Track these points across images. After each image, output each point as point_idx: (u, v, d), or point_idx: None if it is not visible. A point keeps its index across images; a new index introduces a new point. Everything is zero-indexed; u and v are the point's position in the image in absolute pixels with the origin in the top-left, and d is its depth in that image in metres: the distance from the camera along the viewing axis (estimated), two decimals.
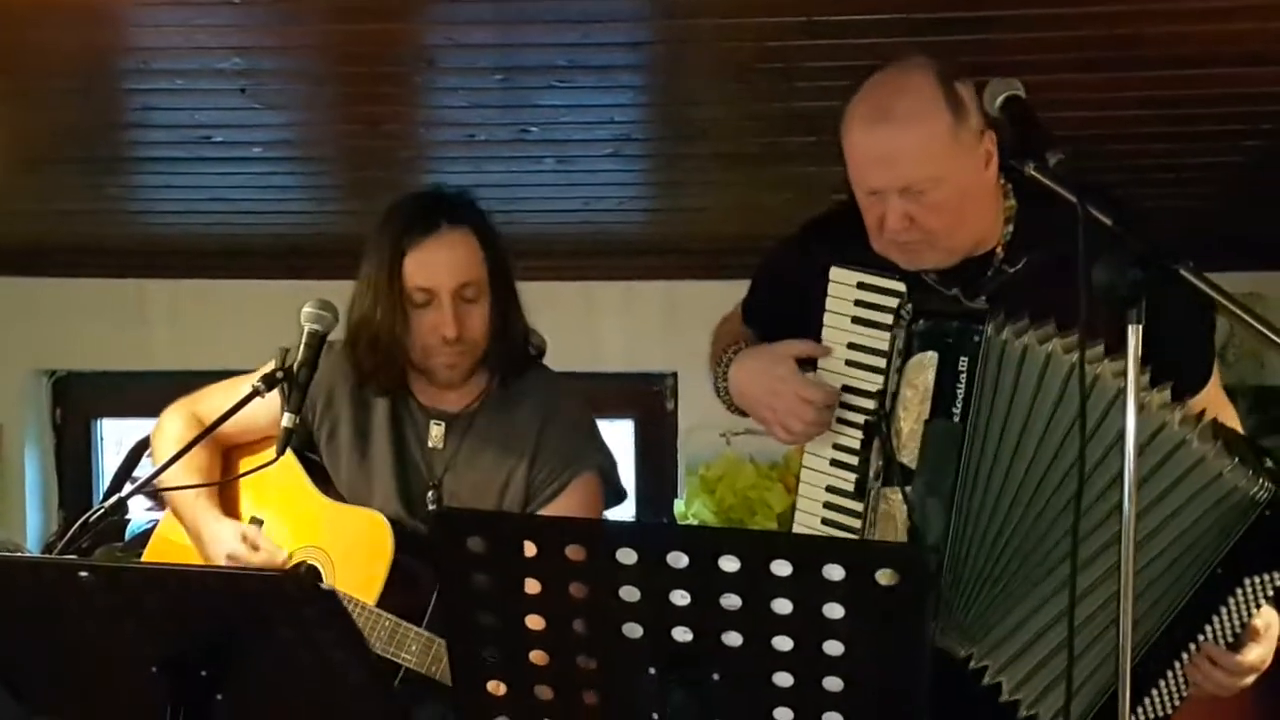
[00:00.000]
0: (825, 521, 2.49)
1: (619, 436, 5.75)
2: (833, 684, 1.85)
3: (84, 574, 2.10)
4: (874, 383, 2.43)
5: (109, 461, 5.88)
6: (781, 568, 1.79)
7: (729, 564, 1.80)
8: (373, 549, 2.86)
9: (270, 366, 2.98)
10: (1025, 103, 2.21)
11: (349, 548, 2.91)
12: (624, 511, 5.60)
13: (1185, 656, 2.34)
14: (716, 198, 4.66)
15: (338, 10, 3.13)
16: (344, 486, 3.00)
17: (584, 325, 5.49)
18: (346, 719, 2.22)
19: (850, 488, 2.46)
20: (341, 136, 4.11)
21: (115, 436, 5.90)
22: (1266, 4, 2.96)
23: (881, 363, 2.43)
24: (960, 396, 2.36)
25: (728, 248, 4.93)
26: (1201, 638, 2.33)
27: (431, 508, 2.94)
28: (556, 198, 4.66)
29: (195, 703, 2.11)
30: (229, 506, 3.05)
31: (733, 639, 1.86)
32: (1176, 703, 2.37)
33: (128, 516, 4.94)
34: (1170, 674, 2.35)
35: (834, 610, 1.80)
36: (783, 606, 1.81)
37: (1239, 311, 2.12)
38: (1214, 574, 2.30)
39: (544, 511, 2.93)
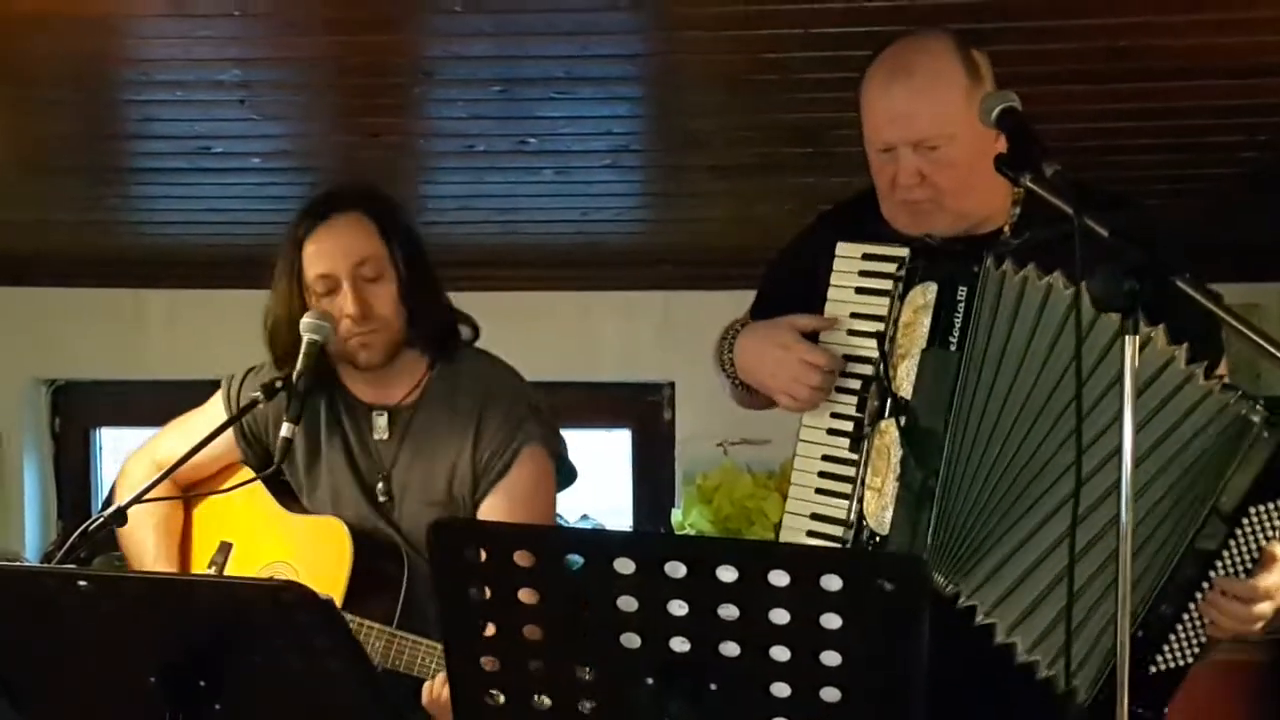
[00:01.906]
0: (820, 491, 2.47)
1: (615, 446, 5.74)
2: (830, 695, 1.85)
3: (83, 583, 2.11)
4: (876, 348, 2.43)
5: (108, 470, 5.86)
6: (779, 578, 1.79)
7: (727, 574, 1.80)
8: (333, 555, 2.87)
9: (219, 398, 3.00)
10: (1021, 115, 2.22)
11: (311, 556, 2.92)
12: (621, 521, 5.63)
13: (1199, 596, 2.31)
14: (714, 208, 4.67)
15: (337, 22, 3.14)
16: (305, 499, 3.02)
17: (581, 335, 5.49)
18: None
19: (846, 455, 2.44)
20: (340, 147, 4.12)
21: (114, 445, 5.88)
22: (1264, 17, 2.97)
23: (883, 326, 2.43)
24: (958, 326, 2.36)
25: (725, 258, 4.94)
26: (1213, 574, 2.30)
27: (382, 499, 2.95)
28: (555, 208, 4.67)
29: (193, 712, 2.11)
30: (198, 535, 3.07)
31: (730, 649, 1.86)
32: (1196, 649, 2.33)
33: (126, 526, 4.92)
34: (1186, 617, 2.32)
35: (831, 621, 1.80)
36: (780, 617, 1.81)
37: (1235, 323, 2.12)
38: (1217, 505, 2.29)
39: (494, 495, 2.92)
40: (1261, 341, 2.11)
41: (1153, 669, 2.32)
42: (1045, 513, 2.32)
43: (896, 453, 2.36)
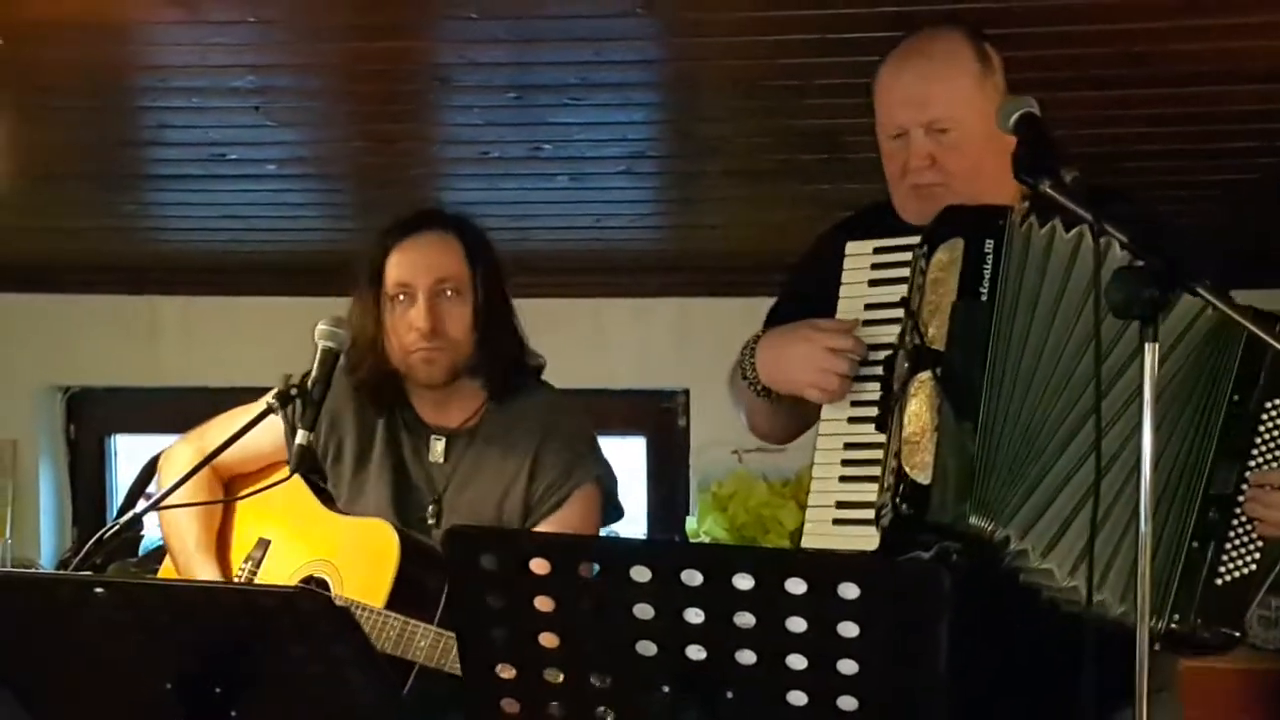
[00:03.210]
0: (845, 479, 2.44)
1: (630, 454, 5.74)
2: (847, 703, 1.84)
3: (99, 590, 2.11)
4: (896, 333, 2.42)
5: (123, 477, 5.88)
6: (796, 586, 1.78)
7: (743, 582, 1.80)
8: (379, 556, 2.87)
9: (275, 390, 3.00)
10: (1039, 120, 2.22)
11: (355, 556, 2.92)
12: (635, 529, 5.63)
13: (1241, 499, 2.31)
14: (729, 215, 4.66)
15: (352, 28, 3.14)
16: (346, 504, 3.02)
17: (596, 342, 5.49)
18: None
19: (871, 439, 2.42)
20: (355, 154, 4.12)
21: (129, 452, 5.90)
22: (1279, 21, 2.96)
23: (900, 313, 2.42)
24: (987, 277, 2.35)
25: (740, 265, 4.94)
26: (1248, 473, 2.32)
27: (430, 522, 2.95)
28: (569, 215, 4.67)
29: None
30: (236, 530, 3.07)
31: (747, 657, 1.85)
32: (1256, 554, 2.32)
33: (141, 532, 4.94)
34: (1235, 522, 2.32)
35: (849, 629, 1.79)
36: (797, 625, 1.81)
37: (1255, 329, 2.13)
38: (1231, 404, 2.31)
39: (544, 523, 2.94)
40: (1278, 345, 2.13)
41: (1219, 580, 2.31)
42: (1078, 449, 2.32)
43: (934, 402, 2.33)
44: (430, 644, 2.77)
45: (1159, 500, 2.27)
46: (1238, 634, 2.31)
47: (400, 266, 2.90)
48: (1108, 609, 2.27)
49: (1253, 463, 2.32)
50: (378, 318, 2.92)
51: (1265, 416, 2.32)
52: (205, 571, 2.98)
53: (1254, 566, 2.32)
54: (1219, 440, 2.32)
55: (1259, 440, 2.32)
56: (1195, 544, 2.30)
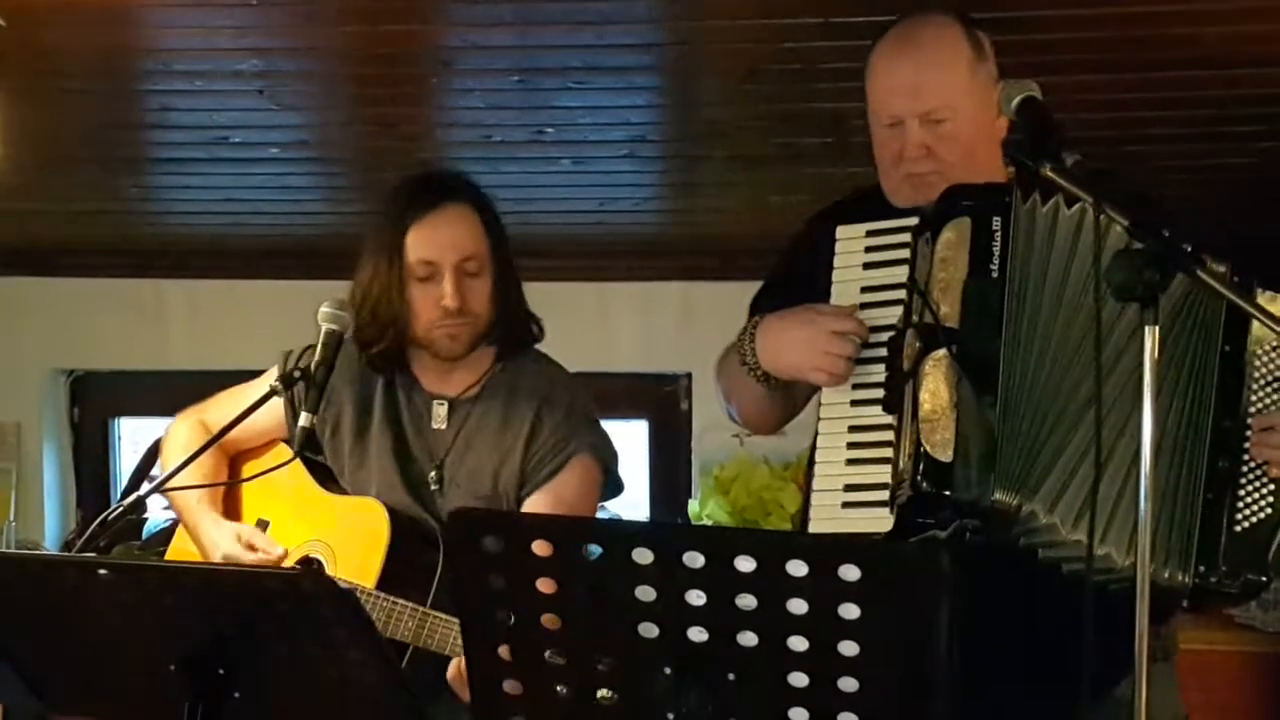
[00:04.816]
0: (852, 462, 2.44)
1: (632, 437, 5.74)
2: (848, 684, 1.85)
3: (104, 572, 2.12)
4: (894, 315, 2.42)
5: (126, 460, 5.89)
6: (797, 568, 1.79)
7: (745, 564, 1.81)
8: (370, 535, 2.89)
9: (274, 372, 3.01)
10: (1041, 104, 2.22)
11: (348, 536, 2.94)
12: (637, 512, 5.64)
13: (1246, 444, 2.34)
14: (732, 199, 4.67)
15: (355, 12, 3.15)
16: (347, 479, 3.03)
17: (598, 326, 5.49)
18: (363, 718, 2.24)
19: (878, 420, 2.42)
20: (358, 137, 4.12)
21: (133, 435, 5.91)
22: None
23: (902, 294, 2.41)
24: (997, 254, 2.36)
25: (743, 249, 4.93)
26: (1249, 419, 2.34)
27: (434, 488, 2.96)
28: (572, 198, 4.67)
29: (213, 701, 2.13)
30: (237, 509, 3.08)
31: (748, 639, 1.86)
32: (1270, 497, 2.34)
33: (145, 515, 4.93)
34: (1246, 469, 2.35)
35: (850, 611, 1.80)
36: (798, 606, 1.81)
37: (1257, 313, 2.13)
38: (1224, 354, 2.34)
39: (538, 495, 2.94)
40: (1274, 327, 2.13)
41: (1238, 527, 2.33)
42: (1090, 420, 2.29)
43: (951, 380, 2.33)
44: (416, 624, 2.78)
45: (1170, 462, 2.31)
46: (1264, 579, 2.33)
47: (424, 244, 2.89)
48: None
49: (1253, 408, 2.34)
50: (402, 293, 2.91)
51: (1257, 362, 2.35)
52: (207, 520, 2.98)
53: (1270, 510, 2.35)
54: (1217, 391, 2.34)
55: (1255, 385, 2.35)
56: (1210, 495, 2.33)
